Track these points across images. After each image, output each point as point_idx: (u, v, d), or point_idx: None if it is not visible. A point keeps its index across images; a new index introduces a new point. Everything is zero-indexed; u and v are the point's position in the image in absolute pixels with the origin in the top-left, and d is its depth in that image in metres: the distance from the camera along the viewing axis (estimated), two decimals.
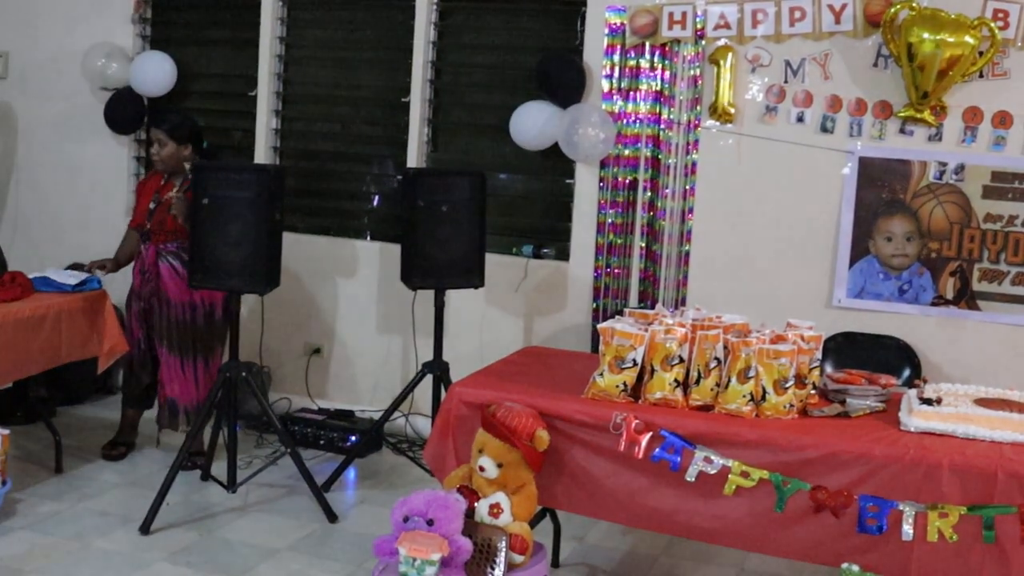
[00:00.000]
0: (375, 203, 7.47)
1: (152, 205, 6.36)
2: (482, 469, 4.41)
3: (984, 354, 6.16)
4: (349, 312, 7.36)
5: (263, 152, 7.51)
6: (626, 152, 6.69)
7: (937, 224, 6.22)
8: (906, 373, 6.07)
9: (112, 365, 6.38)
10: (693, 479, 4.33)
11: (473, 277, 6.25)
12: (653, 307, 5.68)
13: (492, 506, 4.39)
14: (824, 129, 6.33)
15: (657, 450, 4.37)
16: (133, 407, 6.60)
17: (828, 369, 5.37)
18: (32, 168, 8.04)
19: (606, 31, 6.65)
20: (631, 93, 6.65)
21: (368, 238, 7.40)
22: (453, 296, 6.69)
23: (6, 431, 5.48)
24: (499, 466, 4.39)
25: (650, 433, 4.39)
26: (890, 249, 6.29)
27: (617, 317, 5.02)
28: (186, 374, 6.35)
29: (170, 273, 6.28)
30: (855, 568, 4.12)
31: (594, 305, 6.80)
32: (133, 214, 6.58)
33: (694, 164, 6.56)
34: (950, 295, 6.23)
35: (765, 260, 6.50)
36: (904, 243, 6.27)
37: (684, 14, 6.48)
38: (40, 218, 7.90)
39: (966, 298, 6.21)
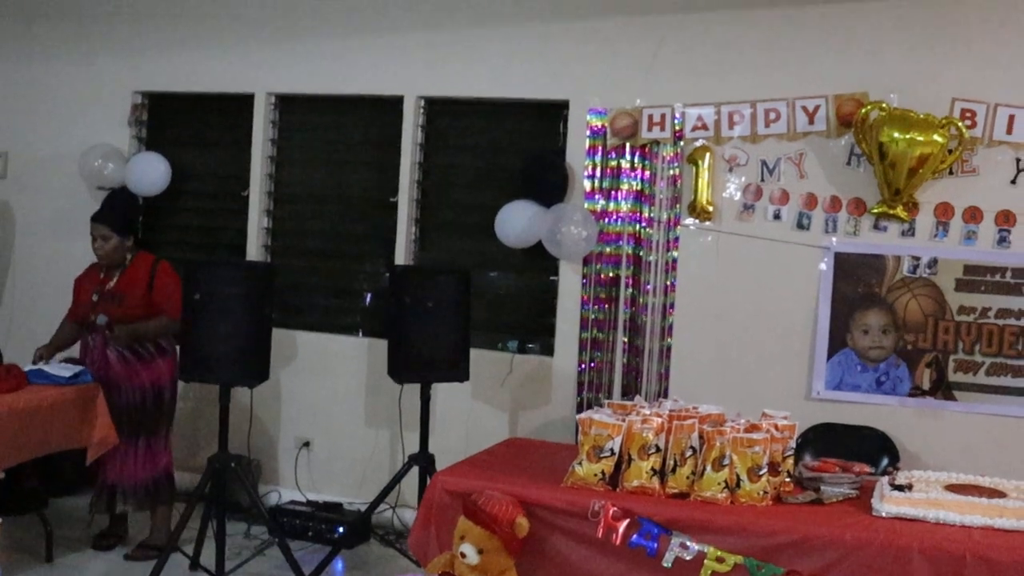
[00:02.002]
0: (367, 300, 7.58)
1: (95, 298, 6.50)
2: (464, 556, 4.49)
3: (961, 443, 6.24)
4: (338, 406, 7.44)
5: (255, 250, 7.65)
6: (608, 249, 6.83)
7: (912, 317, 6.35)
8: (884, 463, 6.14)
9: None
10: (670, 565, 4.41)
11: (458, 371, 6.37)
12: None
13: None
14: (800, 226, 6.48)
15: (634, 536, 4.46)
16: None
17: (807, 459, 5.45)
18: (29, 264, 8.17)
19: (588, 133, 6.84)
20: (612, 192, 6.81)
21: (360, 334, 7.51)
22: (439, 390, 6.80)
23: None
24: (480, 552, 4.47)
25: (627, 520, 4.48)
26: (867, 342, 6.41)
27: (596, 408, 5.14)
28: (127, 455, 6.43)
29: (119, 360, 6.41)
30: None
31: (578, 399, 6.89)
32: (72, 307, 6.72)
33: (674, 261, 6.71)
34: (926, 386, 6.34)
35: (745, 354, 6.61)
36: (880, 336, 6.39)
37: (663, 116, 6.66)
38: (36, 313, 7.97)
39: (942, 389, 6.32)
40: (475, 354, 6.50)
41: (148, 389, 6.44)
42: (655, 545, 4.44)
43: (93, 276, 6.66)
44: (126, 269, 6.53)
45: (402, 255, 7.31)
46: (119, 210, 6.76)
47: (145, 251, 6.68)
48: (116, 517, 6.66)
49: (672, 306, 6.72)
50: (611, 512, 4.49)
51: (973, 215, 6.23)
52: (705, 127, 6.61)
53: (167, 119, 8.05)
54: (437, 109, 7.38)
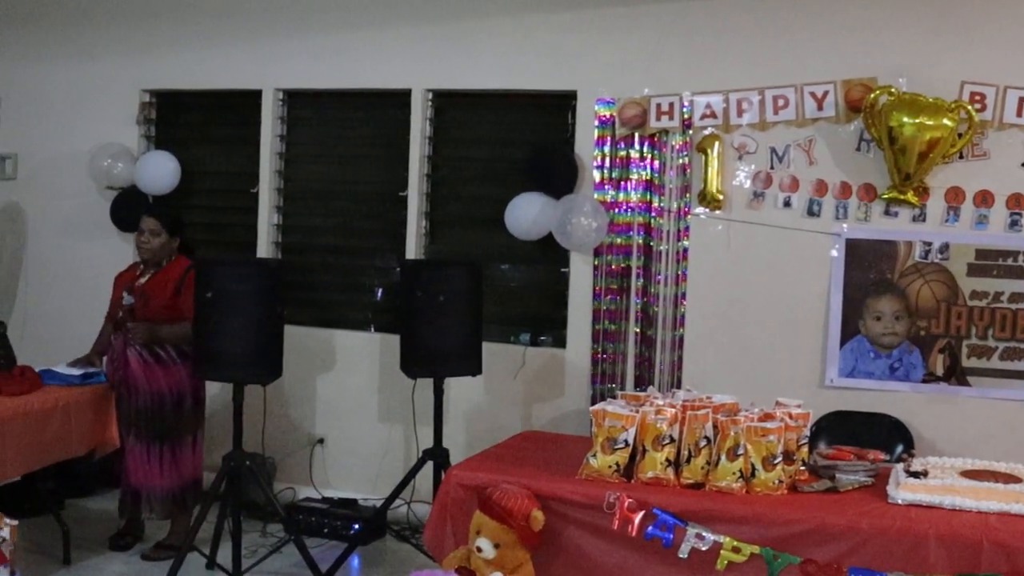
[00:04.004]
0: (378, 295, 7.59)
1: (124, 294, 6.50)
2: (480, 550, 4.51)
3: (975, 429, 6.23)
4: (351, 402, 7.45)
5: (265, 247, 7.66)
6: (618, 240, 6.82)
7: (925, 302, 6.34)
8: (899, 450, 6.13)
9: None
10: (686, 555, 4.43)
11: (471, 365, 6.35)
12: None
13: None
14: (811, 213, 6.47)
15: (650, 528, 4.48)
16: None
17: (821, 447, 5.46)
18: (40, 265, 8.19)
19: (596, 123, 6.83)
20: (622, 182, 6.80)
21: (372, 329, 7.53)
22: (452, 384, 6.80)
23: (15, 522, 5.55)
24: (496, 546, 4.49)
25: (643, 511, 4.49)
26: (880, 328, 6.40)
27: (609, 400, 5.15)
28: (151, 462, 6.41)
29: (138, 361, 6.38)
30: None
31: (592, 390, 6.89)
32: (109, 307, 6.71)
33: (685, 250, 6.70)
34: (940, 372, 6.33)
35: (758, 342, 6.60)
36: (893, 322, 6.38)
37: (671, 105, 6.65)
38: (48, 314, 8.03)
39: (956, 374, 6.30)
40: (487, 347, 6.49)
41: (166, 394, 6.41)
42: (671, 536, 4.45)
43: (130, 273, 6.68)
44: (161, 270, 6.52)
45: (412, 249, 7.31)
46: (175, 209, 6.83)
47: (184, 256, 6.64)
48: (133, 518, 6.67)
49: (684, 296, 6.72)
50: (626, 504, 4.50)
51: (984, 199, 6.21)
52: (714, 115, 6.60)
53: (175, 117, 8.06)
54: (445, 102, 7.38)
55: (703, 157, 6.61)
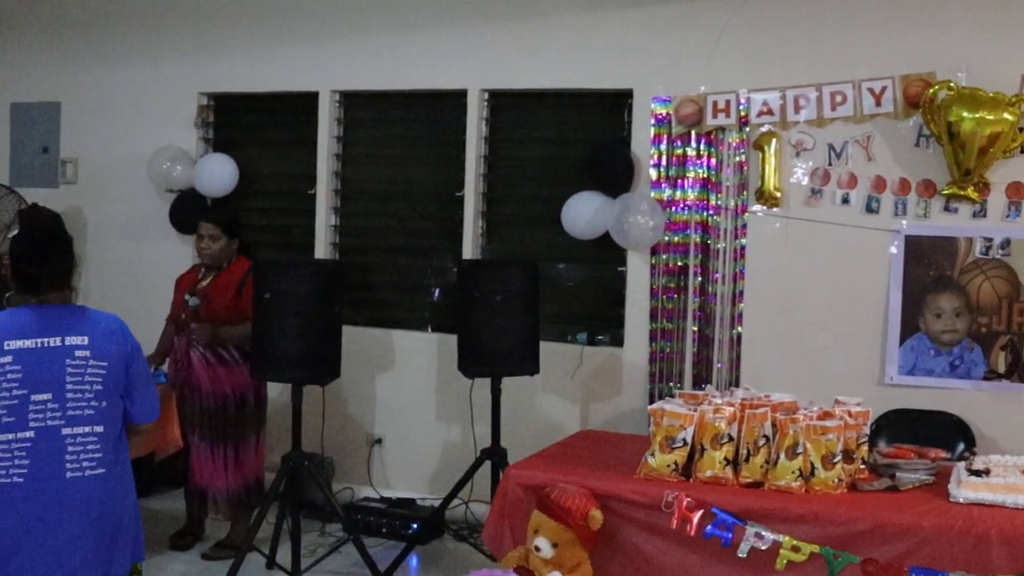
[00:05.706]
0: (435, 295, 7.61)
1: (186, 297, 6.54)
2: (538, 549, 4.51)
3: None
4: (409, 402, 7.48)
5: (322, 248, 7.70)
6: (676, 238, 6.80)
7: (985, 299, 6.27)
8: (960, 448, 6.07)
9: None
10: (745, 555, 4.41)
11: (528, 365, 6.35)
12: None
13: None
14: (869, 209, 6.42)
15: (709, 527, 4.46)
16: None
17: (881, 445, 5.42)
18: (100, 268, 8.27)
19: (652, 121, 6.81)
20: (679, 181, 6.78)
21: (429, 330, 7.55)
22: (510, 384, 6.78)
23: None
24: (554, 546, 4.49)
25: (701, 511, 4.48)
26: (940, 325, 6.34)
27: (667, 399, 5.14)
28: (215, 462, 6.47)
29: (201, 362, 6.44)
30: None
31: (649, 389, 6.87)
32: (171, 308, 6.76)
33: (743, 248, 6.67)
34: (1002, 369, 6.26)
35: (816, 340, 6.56)
36: (953, 319, 6.32)
37: (728, 102, 6.63)
38: None
39: (1018, 371, 6.23)
40: (545, 347, 6.48)
41: (229, 395, 6.46)
42: (730, 535, 4.44)
43: (191, 275, 6.74)
44: (222, 272, 6.58)
45: (469, 249, 7.33)
46: (231, 212, 6.93)
47: (244, 257, 6.69)
48: (193, 517, 6.72)
49: (741, 294, 6.69)
50: (685, 503, 4.49)
51: None
52: (770, 112, 6.56)
53: (233, 120, 8.13)
54: (501, 102, 7.39)
55: (760, 154, 6.58)
